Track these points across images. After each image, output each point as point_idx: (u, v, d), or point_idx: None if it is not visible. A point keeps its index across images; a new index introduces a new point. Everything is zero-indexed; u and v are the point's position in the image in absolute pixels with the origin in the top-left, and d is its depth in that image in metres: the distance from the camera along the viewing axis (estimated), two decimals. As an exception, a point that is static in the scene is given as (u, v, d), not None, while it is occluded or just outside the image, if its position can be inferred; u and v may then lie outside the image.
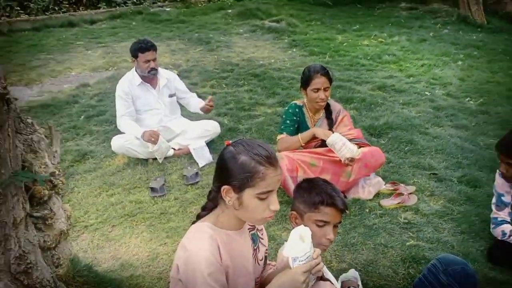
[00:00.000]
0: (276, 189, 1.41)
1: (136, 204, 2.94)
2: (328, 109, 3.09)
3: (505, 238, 2.33)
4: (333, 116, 3.08)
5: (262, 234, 1.67)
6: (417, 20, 8.76)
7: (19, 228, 1.93)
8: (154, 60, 3.48)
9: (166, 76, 3.69)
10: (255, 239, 1.59)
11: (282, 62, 6.18)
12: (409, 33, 7.86)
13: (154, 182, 3.13)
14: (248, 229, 1.59)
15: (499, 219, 2.40)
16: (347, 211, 2.79)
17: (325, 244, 1.77)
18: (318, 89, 2.91)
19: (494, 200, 2.46)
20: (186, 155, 3.56)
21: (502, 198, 2.42)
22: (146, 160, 3.48)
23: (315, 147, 3.02)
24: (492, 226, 2.44)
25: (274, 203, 1.40)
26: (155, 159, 3.46)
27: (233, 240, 1.48)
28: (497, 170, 2.41)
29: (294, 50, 6.86)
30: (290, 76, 5.39)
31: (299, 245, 1.39)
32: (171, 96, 3.72)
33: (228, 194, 1.41)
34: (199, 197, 3.00)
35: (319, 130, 2.95)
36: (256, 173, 1.36)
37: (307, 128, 3.06)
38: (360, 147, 3.00)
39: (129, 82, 3.54)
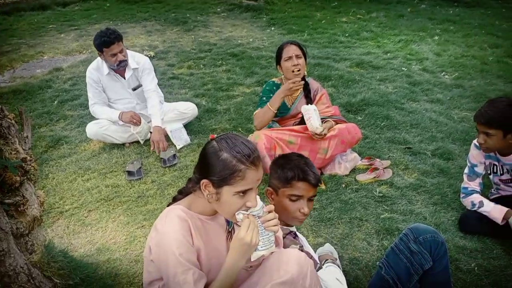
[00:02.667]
0: (255, 188, 1.40)
1: (112, 188, 2.91)
2: (306, 87, 3.08)
3: (475, 208, 2.38)
4: (312, 94, 3.09)
5: None
6: (395, -4, 8.76)
7: (-10, 216, 1.89)
8: (121, 51, 3.20)
9: (135, 65, 3.38)
10: (230, 222, 1.59)
11: (261, 41, 6.13)
12: (387, 9, 7.87)
13: (131, 166, 3.09)
14: None
15: (469, 189, 2.44)
16: (320, 185, 2.82)
17: (299, 218, 1.83)
18: (290, 57, 2.91)
19: (466, 170, 2.49)
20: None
21: (475, 168, 2.45)
22: (123, 144, 3.44)
23: (294, 125, 3.03)
24: (462, 195, 2.49)
25: (251, 200, 1.39)
26: (132, 143, 3.42)
27: (206, 224, 1.50)
28: (473, 141, 2.43)
29: (273, 28, 6.80)
30: (269, 55, 5.34)
31: None
32: (134, 89, 3.45)
33: (207, 188, 1.41)
34: (176, 179, 2.99)
35: (284, 87, 2.91)
36: (236, 172, 1.35)
37: (285, 106, 3.06)
38: (337, 123, 3.03)
39: (97, 71, 3.35)
